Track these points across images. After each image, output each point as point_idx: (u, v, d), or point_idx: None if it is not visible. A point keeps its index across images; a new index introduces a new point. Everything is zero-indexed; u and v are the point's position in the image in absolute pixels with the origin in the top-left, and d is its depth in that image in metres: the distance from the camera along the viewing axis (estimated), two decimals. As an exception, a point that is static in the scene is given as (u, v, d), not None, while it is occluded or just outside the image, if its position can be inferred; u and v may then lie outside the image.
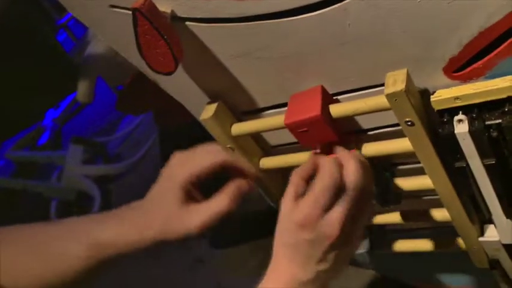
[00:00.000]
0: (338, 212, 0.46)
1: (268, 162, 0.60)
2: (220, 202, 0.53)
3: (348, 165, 0.48)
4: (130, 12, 0.48)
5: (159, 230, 0.54)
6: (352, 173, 0.47)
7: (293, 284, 0.48)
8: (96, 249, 0.54)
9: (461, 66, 0.45)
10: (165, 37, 0.48)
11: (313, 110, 0.49)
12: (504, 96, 0.43)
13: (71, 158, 1.77)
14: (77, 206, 1.75)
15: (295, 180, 0.49)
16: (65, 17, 2.09)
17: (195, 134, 0.65)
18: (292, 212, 0.47)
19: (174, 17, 0.49)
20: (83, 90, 0.96)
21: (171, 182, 0.54)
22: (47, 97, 1.04)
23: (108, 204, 1.70)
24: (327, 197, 0.46)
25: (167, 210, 0.54)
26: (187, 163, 0.55)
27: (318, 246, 0.47)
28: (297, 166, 0.50)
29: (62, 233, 0.58)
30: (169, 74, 0.51)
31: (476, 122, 0.45)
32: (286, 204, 0.49)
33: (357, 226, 0.48)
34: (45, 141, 2.19)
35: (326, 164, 0.48)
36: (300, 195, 0.48)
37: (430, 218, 0.58)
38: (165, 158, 0.58)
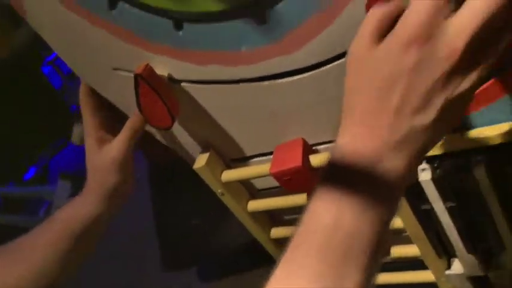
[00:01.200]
0: (469, 14, 0.31)
1: (255, 205, 0.66)
2: (123, 133, 0.61)
3: None
4: (131, 74, 0.54)
5: (96, 183, 0.62)
6: None
7: (375, 153, 0.34)
8: (61, 230, 0.60)
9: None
10: (163, 98, 0.54)
11: (295, 160, 0.55)
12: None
13: (59, 193, 1.80)
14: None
15: (377, 15, 0.34)
16: (53, 54, 2.14)
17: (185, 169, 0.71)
18: (384, 42, 0.33)
19: (171, 79, 0.55)
20: (77, 133, 1.01)
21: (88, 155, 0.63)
22: (41, 140, 1.09)
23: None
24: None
25: (92, 165, 0.62)
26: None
27: (426, 76, 0.32)
28: (282, 209, 0.57)
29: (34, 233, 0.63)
30: (166, 129, 0.57)
31: (437, 171, 0.52)
32: (363, 41, 0.34)
33: (485, 53, 0.32)
34: (32, 175, 2.22)
35: None
36: (384, 34, 0.34)
37: (401, 252, 0.64)
38: (155, 193, 0.65)
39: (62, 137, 1.65)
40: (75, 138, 1.03)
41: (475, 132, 0.48)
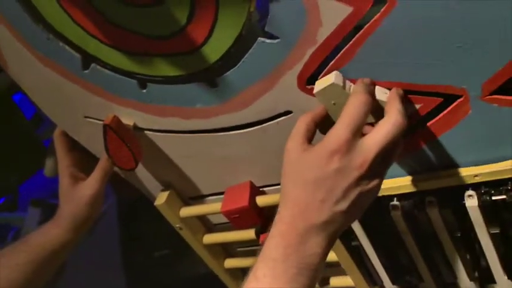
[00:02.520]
0: (377, 136, 0.43)
1: (210, 238, 0.74)
2: (96, 173, 0.68)
3: (392, 98, 0.46)
4: (101, 122, 0.62)
5: (67, 214, 0.68)
6: (396, 105, 0.45)
7: (304, 229, 0.44)
8: (29, 253, 0.67)
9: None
10: (128, 144, 0.61)
11: (243, 201, 0.63)
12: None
13: (29, 220, 1.84)
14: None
15: (305, 121, 0.48)
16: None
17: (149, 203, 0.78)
18: (313, 149, 0.44)
19: (136, 127, 0.63)
20: (50, 166, 1.07)
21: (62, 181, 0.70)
22: (11, 169, 1.15)
23: (63, 266, 1.77)
24: (362, 120, 0.44)
25: (65, 198, 0.69)
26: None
27: (344, 178, 0.43)
28: (234, 242, 0.64)
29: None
30: (130, 170, 0.65)
31: (483, 197, 0.53)
32: (296, 143, 0.46)
33: (386, 163, 0.45)
34: (1, 202, 2.23)
35: (358, 87, 0.46)
36: (310, 138, 0.47)
37: (338, 283, 0.72)
38: (121, 225, 0.72)
39: (32, 166, 1.69)
40: (47, 171, 1.09)
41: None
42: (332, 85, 0.47)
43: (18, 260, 0.67)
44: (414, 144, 0.54)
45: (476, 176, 0.53)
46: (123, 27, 0.51)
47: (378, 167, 0.44)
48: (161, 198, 0.69)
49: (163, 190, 0.71)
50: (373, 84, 0.48)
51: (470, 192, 0.54)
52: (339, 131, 0.43)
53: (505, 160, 0.52)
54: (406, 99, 0.49)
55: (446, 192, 0.55)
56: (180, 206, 0.71)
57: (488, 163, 0.52)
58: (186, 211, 0.70)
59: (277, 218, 0.46)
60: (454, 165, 0.54)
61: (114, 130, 0.60)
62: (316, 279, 0.46)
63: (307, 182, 0.44)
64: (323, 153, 0.43)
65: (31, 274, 0.67)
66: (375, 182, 0.44)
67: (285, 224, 0.45)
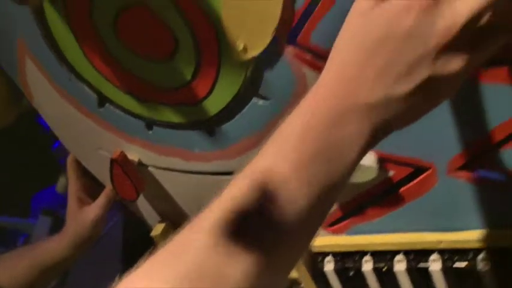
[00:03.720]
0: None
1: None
2: (100, 200, 0.75)
3: None
4: (110, 154, 0.68)
5: (72, 232, 0.75)
6: None
7: (344, 105, 0.32)
8: (33, 260, 0.75)
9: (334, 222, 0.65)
10: (131, 178, 0.68)
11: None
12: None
13: (38, 228, 1.90)
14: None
15: None
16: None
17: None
18: (385, 2, 0.31)
19: (140, 163, 0.69)
20: (62, 184, 1.13)
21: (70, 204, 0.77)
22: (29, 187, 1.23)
23: (66, 275, 1.82)
24: None
25: (71, 218, 0.76)
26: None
27: (417, 45, 0.30)
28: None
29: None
30: (132, 201, 0.71)
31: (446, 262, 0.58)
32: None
33: (479, 42, 0.31)
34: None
35: None
36: None
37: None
38: (126, 241, 0.79)
39: (47, 180, 1.77)
40: (59, 187, 1.16)
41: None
42: None
43: (23, 263, 0.76)
44: (387, 207, 0.59)
45: (440, 242, 0.57)
46: (137, 77, 0.58)
47: (466, 45, 0.31)
48: (157, 230, 0.75)
49: (160, 222, 0.76)
50: None
51: (434, 256, 0.58)
52: None
53: (469, 230, 0.56)
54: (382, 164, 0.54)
55: (416, 254, 0.60)
56: (174, 238, 0.76)
57: (453, 231, 0.57)
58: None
59: (313, 86, 0.34)
60: (422, 230, 0.59)
61: (119, 164, 0.66)
62: (335, 194, 0.34)
63: (366, 40, 0.31)
64: (398, 5, 0.30)
65: (32, 277, 0.75)
66: (454, 66, 0.31)
67: (319, 93, 0.33)
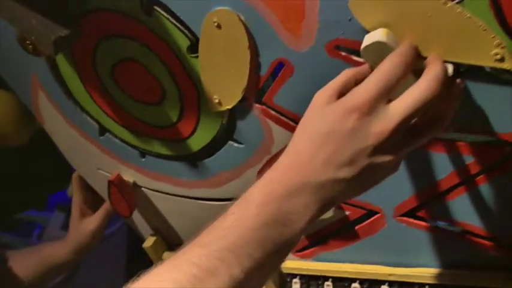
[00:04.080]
0: (404, 102, 0.37)
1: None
2: (99, 213, 0.85)
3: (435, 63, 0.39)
4: (109, 174, 0.77)
5: (73, 240, 0.85)
6: (439, 64, 0.39)
7: (296, 183, 0.39)
8: (40, 260, 0.86)
9: (301, 248, 0.73)
10: (125, 198, 0.76)
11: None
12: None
13: (53, 222, 2.01)
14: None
15: (346, 74, 0.41)
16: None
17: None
18: (335, 103, 0.39)
19: (135, 184, 0.78)
20: (71, 189, 1.22)
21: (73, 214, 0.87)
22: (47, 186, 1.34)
23: (77, 266, 1.93)
24: (393, 82, 0.38)
25: (73, 227, 0.86)
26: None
27: (357, 142, 0.38)
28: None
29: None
30: (126, 217, 0.80)
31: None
32: (324, 93, 0.40)
33: (410, 139, 0.40)
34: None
35: (403, 48, 0.40)
36: (342, 93, 0.40)
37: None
38: (130, 242, 0.89)
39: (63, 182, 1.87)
40: (69, 192, 1.26)
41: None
42: (378, 43, 0.42)
43: (31, 261, 0.86)
44: (346, 241, 0.67)
45: (390, 275, 0.65)
46: (131, 114, 0.66)
47: (399, 141, 0.39)
48: (149, 242, 0.83)
49: (152, 235, 0.85)
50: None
51: (384, 287, 0.66)
52: (366, 87, 0.38)
53: (414, 267, 0.64)
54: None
55: (370, 283, 0.67)
56: (163, 250, 0.85)
57: (401, 267, 0.64)
58: (168, 256, 0.84)
59: (274, 164, 0.41)
60: (375, 263, 0.66)
61: (115, 185, 0.75)
62: (286, 250, 0.40)
63: (316, 134, 0.39)
64: (342, 108, 0.38)
65: (40, 272, 0.86)
66: (389, 158, 0.38)
67: (278, 171, 0.40)
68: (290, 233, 0.39)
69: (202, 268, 0.36)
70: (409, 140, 0.40)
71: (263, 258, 0.38)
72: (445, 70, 0.40)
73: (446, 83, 0.39)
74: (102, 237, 0.88)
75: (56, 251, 0.87)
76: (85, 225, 0.84)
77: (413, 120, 0.39)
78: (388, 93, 0.38)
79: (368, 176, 0.39)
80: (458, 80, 0.42)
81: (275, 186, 0.39)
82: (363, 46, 0.42)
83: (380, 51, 0.41)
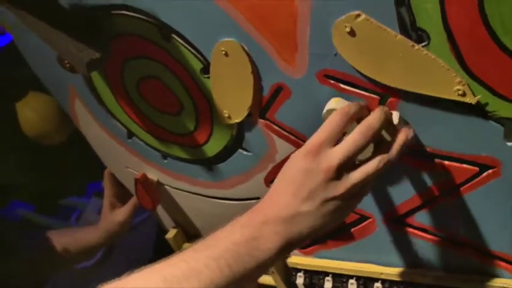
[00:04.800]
0: (343, 146, 0.47)
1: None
2: (127, 207, 0.94)
3: (377, 111, 0.49)
4: (136, 172, 0.86)
5: (103, 228, 0.95)
6: (376, 115, 0.48)
7: (265, 219, 0.47)
8: (72, 240, 0.95)
9: (304, 246, 0.81)
10: (149, 194, 0.85)
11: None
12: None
13: (90, 207, 2.14)
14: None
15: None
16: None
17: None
18: (299, 150, 0.49)
19: (158, 182, 0.87)
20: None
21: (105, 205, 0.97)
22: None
23: (111, 250, 2.06)
24: (337, 130, 0.48)
25: (104, 217, 0.96)
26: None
27: (311, 178, 0.47)
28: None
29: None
30: (151, 210, 0.89)
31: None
32: (301, 149, 0.49)
33: (356, 174, 0.47)
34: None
35: (349, 108, 0.49)
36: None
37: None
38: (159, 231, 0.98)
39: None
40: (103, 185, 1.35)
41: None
42: (332, 110, 0.52)
43: (66, 241, 0.95)
44: (344, 241, 0.74)
45: (381, 273, 0.72)
46: (155, 123, 0.75)
47: (347, 176, 0.47)
48: (171, 233, 0.92)
49: (174, 227, 0.94)
50: (367, 108, 0.51)
51: (377, 284, 0.72)
52: (317, 135, 0.48)
53: (402, 267, 0.70)
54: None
55: (365, 280, 0.74)
56: (184, 241, 0.94)
57: (391, 267, 0.71)
58: (188, 246, 0.93)
59: (262, 199, 0.50)
60: (368, 262, 0.73)
61: (141, 183, 0.84)
62: (259, 270, 0.47)
63: (286, 176, 0.48)
64: (301, 153, 0.48)
65: (70, 252, 0.94)
66: (343, 188, 0.46)
67: (261, 204, 0.50)
68: (262, 256, 0.47)
69: (190, 267, 0.45)
70: (354, 175, 0.47)
71: (239, 273, 0.45)
72: (381, 119, 0.48)
73: (391, 130, 0.50)
74: (130, 226, 0.97)
75: (87, 235, 0.96)
76: (114, 216, 0.94)
77: (356, 159, 0.48)
78: (334, 138, 0.48)
79: (327, 210, 0.47)
80: (404, 129, 0.50)
81: (255, 215, 0.49)
82: (323, 112, 0.53)
83: None
